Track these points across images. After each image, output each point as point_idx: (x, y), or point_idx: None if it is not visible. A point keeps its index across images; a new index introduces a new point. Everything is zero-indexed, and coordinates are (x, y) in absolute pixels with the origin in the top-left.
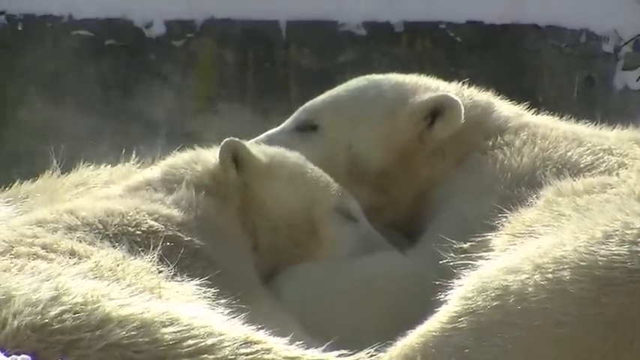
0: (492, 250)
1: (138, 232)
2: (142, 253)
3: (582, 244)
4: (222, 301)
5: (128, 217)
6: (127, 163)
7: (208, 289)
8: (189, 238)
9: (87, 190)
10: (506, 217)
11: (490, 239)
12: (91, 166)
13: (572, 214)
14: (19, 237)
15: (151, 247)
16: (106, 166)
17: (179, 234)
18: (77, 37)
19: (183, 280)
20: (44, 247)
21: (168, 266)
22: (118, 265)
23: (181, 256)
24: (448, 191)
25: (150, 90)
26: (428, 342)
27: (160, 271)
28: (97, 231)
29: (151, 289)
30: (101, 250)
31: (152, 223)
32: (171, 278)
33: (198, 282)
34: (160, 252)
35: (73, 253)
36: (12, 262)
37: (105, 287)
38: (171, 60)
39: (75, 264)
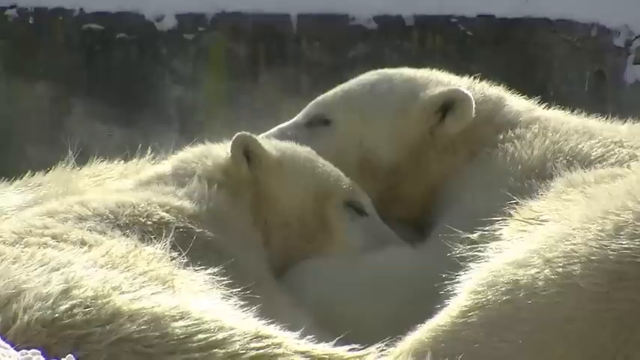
0: (501, 240)
1: (149, 222)
2: (155, 242)
3: (593, 236)
4: (235, 291)
5: (139, 209)
6: (141, 159)
7: (222, 279)
8: (200, 230)
9: (102, 179)
10: (515, 208)
11: (499, 229)
12: (104, 162)
13: (580, 200)
14: (28, 228)
15: (163, 237)
16: (119, 162)
17: (190, 225)
18: (88, 31)
19: (196, 270)
20: (54, 237)
21: (181, 254)
22: (129, 252)
23: (193, 246)
24: (459, 185)
25: (161, 84)
26: (438, 336)
27: (173, 259)
28: (107, 221)
29: (163, 276)
30: (112, 239)
31: (163, 214)
32: (184, 267)
33: (211, 271)
34: (173, 240)
35: (83, 243)
36: (22, 252)
37: (116, 279)
38: (183, 54)
39: (85, 252)
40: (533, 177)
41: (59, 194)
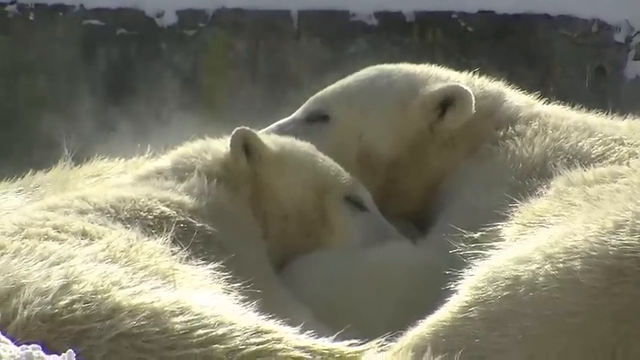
0: (503, 240)
1: (150, 216)
2: (156, 236)
3: (593, 233)
4: (236, 285)
5: (140, 203)
6: (142, 157)
7: (223, 274)
8: (201, 224)
9: (100, 180)
10: (516, 207)
11: (501, 229)
12: (105, 159)
13: (582, 204)
14: (29, 220)
15: (164, 231)
16: (119, 159)
17: (191, 220)
18: (88, 27)
19: (197, 265)
20: (55, 227)
21: (182, 249)
22: (131, 246)
23: (194, 241)
24: (459, 182)
25: (161, 79)
26: (438, 332)
27: (174, 254)
28: (109, 215)
29: (164, 271)
30: (113, 231)
31: (164, 209)
32: (185, 261)
33: (212, 266)
34: (174, 235)
35: (84, 234)
36: (23, 243)
37: (116, 273)
38: (183, 50)
39: (86, 245)
40: (534, 175)
41: (58, 193)
